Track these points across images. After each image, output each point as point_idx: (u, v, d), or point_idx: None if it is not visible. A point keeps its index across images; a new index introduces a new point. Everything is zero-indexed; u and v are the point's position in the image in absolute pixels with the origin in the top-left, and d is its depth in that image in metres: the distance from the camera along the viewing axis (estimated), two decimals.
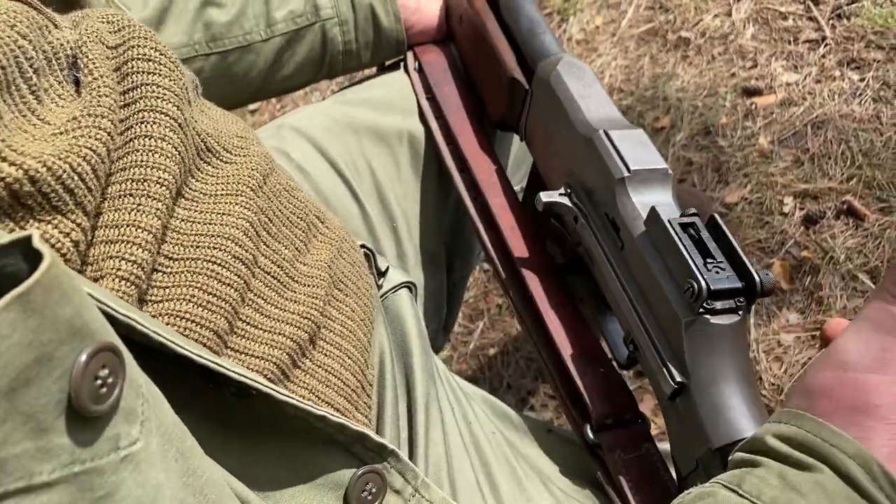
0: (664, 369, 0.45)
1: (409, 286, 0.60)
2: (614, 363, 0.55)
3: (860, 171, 1.26)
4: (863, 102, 1.34)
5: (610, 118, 0.52)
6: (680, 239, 0.44)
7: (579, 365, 0.52)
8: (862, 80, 1.37)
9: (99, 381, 0.25)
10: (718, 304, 0.43)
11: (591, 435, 0.50)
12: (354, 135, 0.69)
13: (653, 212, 0.45)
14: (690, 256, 0.43)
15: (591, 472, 0.52)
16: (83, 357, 0.24)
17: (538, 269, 0.58)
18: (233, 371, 0.35)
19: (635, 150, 0.48)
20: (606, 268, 0.49)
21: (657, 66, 1.53)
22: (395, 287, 0.59)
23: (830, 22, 1.46)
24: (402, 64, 0.75)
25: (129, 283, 0.35)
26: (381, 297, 0.58)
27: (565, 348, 0.53)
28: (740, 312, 0.43)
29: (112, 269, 0.34)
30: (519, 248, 0.59)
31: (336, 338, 0.46)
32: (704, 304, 0.43)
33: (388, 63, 0.77)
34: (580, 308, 0.56)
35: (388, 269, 0.59)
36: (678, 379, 0.44)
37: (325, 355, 0.45)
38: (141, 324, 0.31)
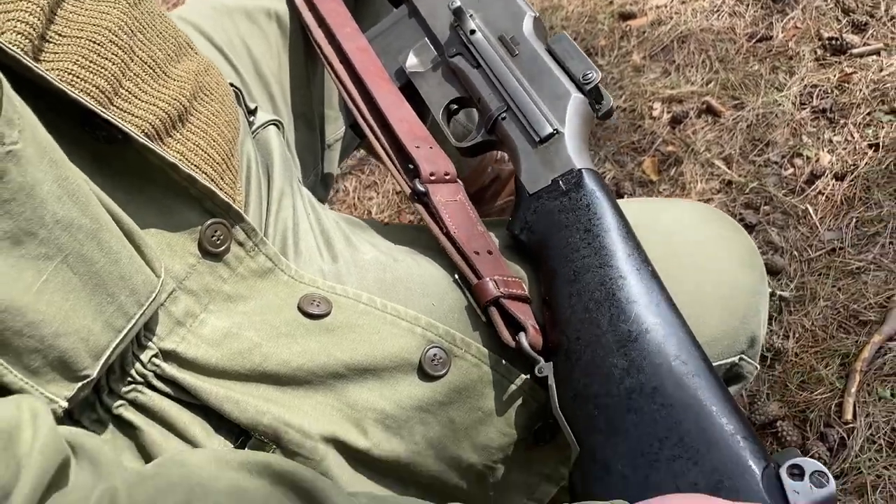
0: (546, 120, 0.64)
1: (277, 123, 0.73)
2: (453, 141, 0.72)
3: (717, 75, 1.43)
4: (720, 17, 1.50)
5: None
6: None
7: (412, 143, 0.68)
8: None
9: None
10: (595, 93, 0.66)
11: (419, 186, 0.65)
12: (230, 18, 0.82)
13: (564, 36, 0.68)
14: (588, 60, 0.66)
15: (415, 239, 0.67)
16: None
17: (384, 84, 0.73)
18: (100, 110, 0.48)
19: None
20: (498, 63, 0.69)
21: (545, 0, 1.68)
22: (264, 123, 0.71)
23: None
24: None
25: (23, 37, 0.46)
26: (253, 132, 0.71)
27: (402, 133, 0.68)
28: (596, 111, 0.67)
29: (10, 27, 0.46)
30: (367, 71, 0.73)
31: (202, 125, 0.59)
32: (592, 88, 0.65)
33: None
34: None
35: (256, 108, 0.72)
36: (556, 126, 0.64)
37: (193, 133, 0.57)
38: (27, 60, 0.43)
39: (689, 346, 0.51)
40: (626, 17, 1.57)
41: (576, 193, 0.61)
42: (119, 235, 0.46)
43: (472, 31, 0.72)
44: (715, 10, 1.51)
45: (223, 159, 0.59)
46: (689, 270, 0.62)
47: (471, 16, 0.73)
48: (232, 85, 0.70)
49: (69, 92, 0.45)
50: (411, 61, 0.75)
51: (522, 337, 0.55)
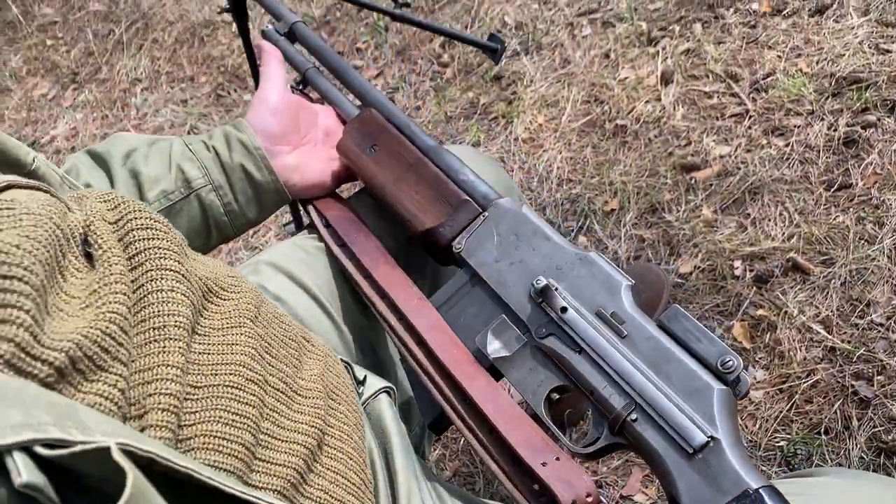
0: (694, 426, 0.54)
1: (388, 391, 0.65)
2: (570, 445, 0.61)
3: (798, 228, 1.35)
4: (791, 165, 1.45)
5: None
6: (709, 329, 0.56)
7: (536, 460, 0.57)
8: (787, 145, 1.48)
9: None
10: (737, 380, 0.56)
11: None
12: (315, 259, 0.76)
13: (678, 311, 0.59)
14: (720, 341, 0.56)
15: None
16: None
17: (474, 374, 0.63)
18: (257, 498, 0.40)
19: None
20: (609, 349, 0.60)
21: (599, 154, 1.64)
22: (375, 392, 0.64)
23: (751, 96, 1.58)
24: (307, 225, 0.80)
25: (169, 413, 0.40)
26: (364, 403, 0.63)
27: (518, 445, 0.57)
28: (738, 391, 0.56)
29: (154, 404, 0.40)
30: (452, 359, 0.63)
31: (337, 442, 0.52)
32: (734, 377, 0.56)
33: None
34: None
35: (365, 376, 0.65)
36: (710, 432, 0.54)
37: (331, 458, 0.51)
38: (183, 466, 0.36)
39: None
40: (688, 168, 1.52)
41: None
42: None
43: (564, 309, 0.62)
44: (784, 157, 1.46)
45: (361, 479, 0.53)
46: None
47: (556, 289, 0.63)
48: (342, 360, 0.63)
49: (223, 488, 0.38)
50: (493, 345, 0.65)
51: None
